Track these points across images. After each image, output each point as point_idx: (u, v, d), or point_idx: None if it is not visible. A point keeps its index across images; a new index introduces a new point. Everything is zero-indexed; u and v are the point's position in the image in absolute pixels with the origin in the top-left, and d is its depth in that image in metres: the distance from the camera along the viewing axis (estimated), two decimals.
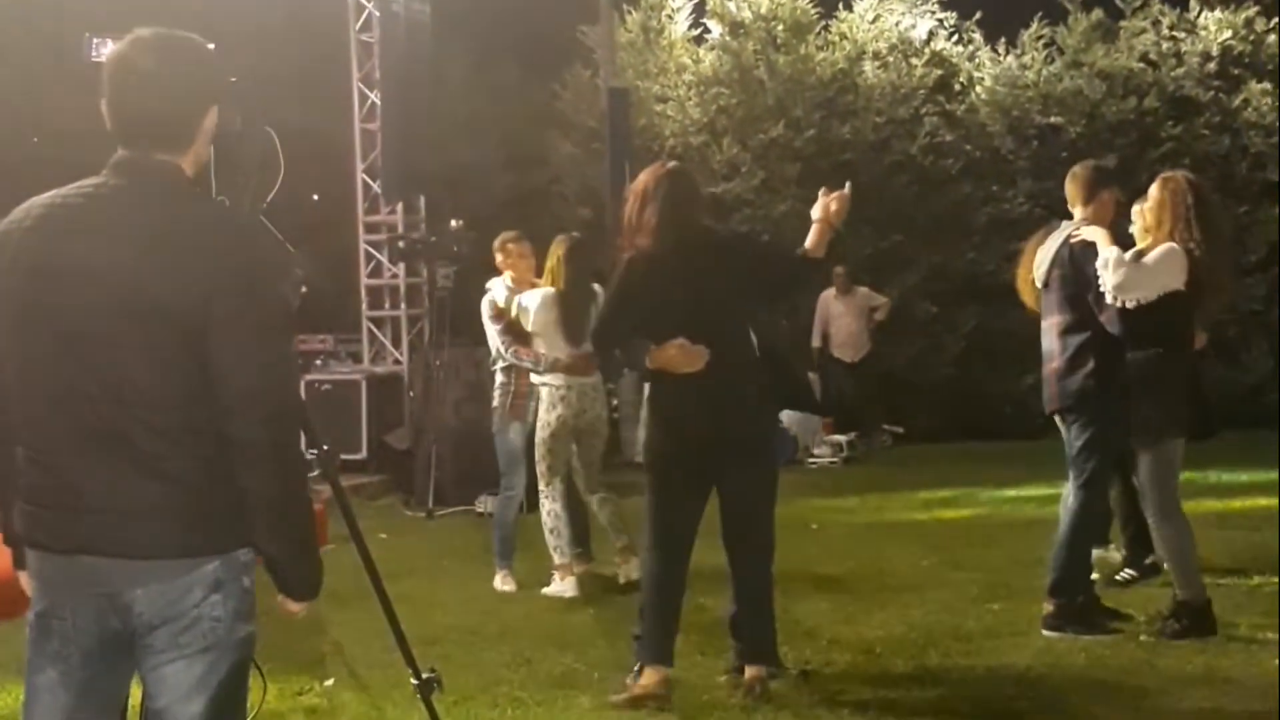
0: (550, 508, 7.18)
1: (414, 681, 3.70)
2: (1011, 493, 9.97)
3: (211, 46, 3.06)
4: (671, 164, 5.30)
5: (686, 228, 5.08)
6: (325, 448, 3.45)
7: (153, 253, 2.56)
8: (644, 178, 5.19)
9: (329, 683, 5.39)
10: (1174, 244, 5.70)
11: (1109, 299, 5.70)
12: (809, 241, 5.16)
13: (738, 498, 5.15)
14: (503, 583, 7.33)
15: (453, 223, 11.94)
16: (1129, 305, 5.66)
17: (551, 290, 7.22)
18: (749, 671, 5.11)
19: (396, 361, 12.53)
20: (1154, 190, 5.88)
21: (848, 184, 5.11)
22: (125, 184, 2.64)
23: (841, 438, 12.86)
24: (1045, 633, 5.84)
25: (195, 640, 2.62)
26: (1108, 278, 5.67)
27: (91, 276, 2.56)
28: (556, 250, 7.28)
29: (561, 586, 7.11)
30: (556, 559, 7.17)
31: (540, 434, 7.19)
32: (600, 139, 13.47)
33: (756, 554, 5.18)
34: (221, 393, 2.57)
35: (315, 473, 3.28)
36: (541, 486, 7.23)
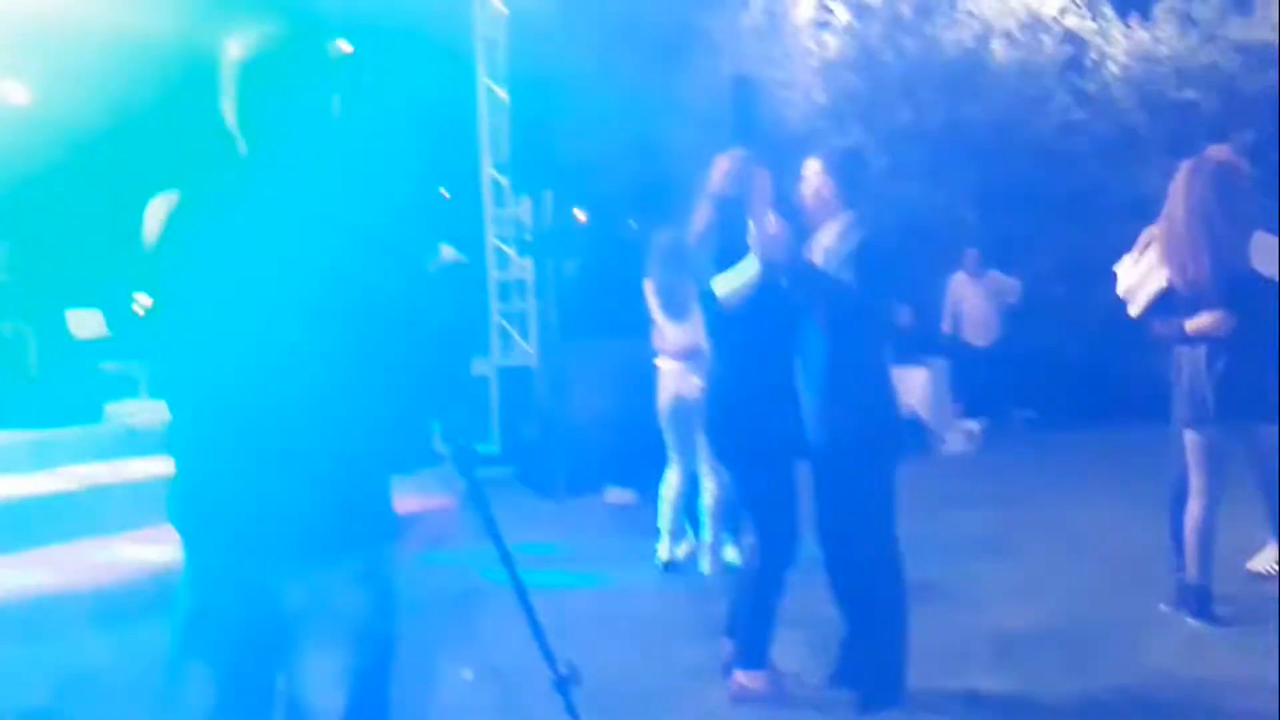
0: (666, 476, 7.66)
1: (552, 676, 3.72)
2: (1147, 478, 9.72)
3: (347, 44, 3.12)
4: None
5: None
6: (464, 443, 3.49)
7: (295, 248, 2.60)
8: None
9: (466, 674, 5.44)
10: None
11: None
12: None
13: None
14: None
15: (577, 214, 12.00)
16: (1133, 314, 5.95)
17: (647, 281, 7.74)
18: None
19: (526, 354, 12.63)
20: None
21: None
22: (258, 179, 2.68)
23: (973, 423, 12.66)
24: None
25: (343, 631, 2.69)
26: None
27: (234, 276, 2.61)
28: (656, 242, 7.78)
29: (661, 549, 7.62)
30: (659, 523, 7.64)
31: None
32: (725, 127, 13.41)
33: None
34: (393, 375, 2.71)
35: (455, 468, 3.34)
36: None
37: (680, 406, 7.49)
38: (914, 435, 12.15)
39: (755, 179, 5.17)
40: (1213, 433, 5.75)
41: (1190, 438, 5.83)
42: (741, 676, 5.05)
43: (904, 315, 13.44)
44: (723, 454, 5.35)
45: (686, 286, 7.43)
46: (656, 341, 7.78)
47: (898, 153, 14.13)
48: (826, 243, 4.96)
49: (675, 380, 7.51)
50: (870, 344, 4.91)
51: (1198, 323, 5.68)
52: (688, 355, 7.44)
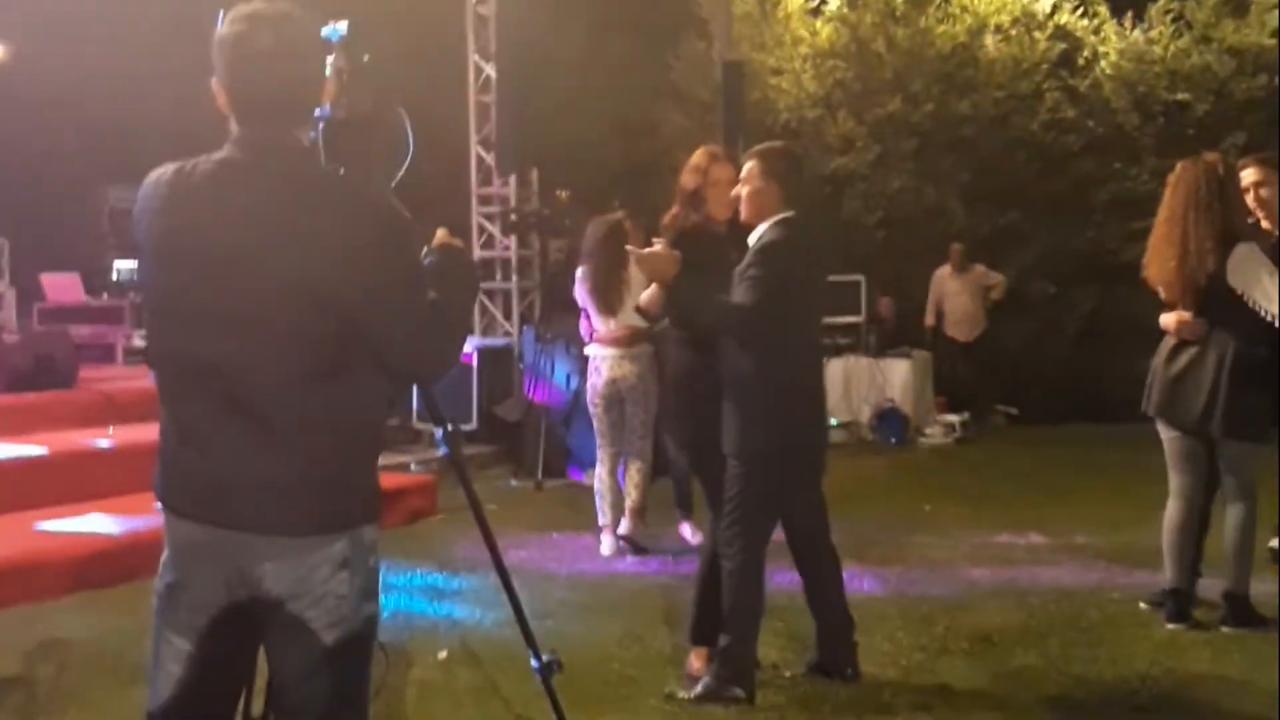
0: (598, 470, 7.70)
1: (534, 664, 3.68)
2: (1129, 477, 9.74)
3: (344, 24, 3.06)
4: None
5: None
6: (450, 427, 3.44)
7: (288, 230, 2.55)
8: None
9: (442, 655, 5.42)
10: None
11: None
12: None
13: None
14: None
15: (559, 193, 11.91)
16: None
17: (582, 269, 7.76)
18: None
19: (507, 333, 12.57)
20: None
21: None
22: (251, 161, 2.63)
23: (954, 417, 12.66)
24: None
25: (321, 616, 2.63)
26: None
27: (224, 256, 2.55)
28: (593, 232, 7.81)
29: (605, 544, 7.58)
30: (599, 519, 7.65)
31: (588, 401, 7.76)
32: (714, 112, 13.36)
33: None
34: (386, 359, 2.66)
35: (442, 452, 3.29)
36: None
37: (614, 393, 7.55)
38: (894, 426, 12.21)
39: (712, 174, 5.18)
40: (1175, 434, 5.75)
41: (1161, 433, 5.83)
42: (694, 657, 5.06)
43: (885, 307, 13.54)
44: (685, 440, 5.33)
45: (621, 279, 7.45)
46: (584, 329, 7.80)
47: (887, 144, 14.13)
48: (752, 241, 4.92)
49: (610, 366, 7.53)
50: (766, 351, 4.79)
51: (1165, 319, 5.74)
52: (623, 343, 7.50)
